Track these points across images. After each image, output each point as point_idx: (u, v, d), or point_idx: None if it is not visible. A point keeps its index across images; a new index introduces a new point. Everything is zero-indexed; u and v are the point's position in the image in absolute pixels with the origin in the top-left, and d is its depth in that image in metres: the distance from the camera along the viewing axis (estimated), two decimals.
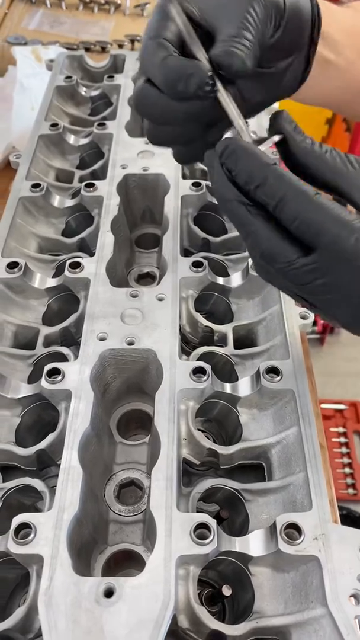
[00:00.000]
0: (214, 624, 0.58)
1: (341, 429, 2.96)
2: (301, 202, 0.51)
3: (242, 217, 0.54)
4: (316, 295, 0.54)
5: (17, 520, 0.61)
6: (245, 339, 0.86)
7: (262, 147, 0.56)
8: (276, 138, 0.57)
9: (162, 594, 0.56)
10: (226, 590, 0.62)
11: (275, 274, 0.55)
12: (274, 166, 0.53)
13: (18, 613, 0.58)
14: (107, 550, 0.71)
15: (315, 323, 3.28)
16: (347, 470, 2.77)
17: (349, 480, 2.73)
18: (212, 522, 0.60)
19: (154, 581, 0.57)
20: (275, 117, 0.57)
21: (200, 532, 0.60)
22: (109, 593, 0.57)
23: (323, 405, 3.02)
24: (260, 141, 0.57)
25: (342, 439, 2.93)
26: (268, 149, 0.56)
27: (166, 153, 1.05)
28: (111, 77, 1.24)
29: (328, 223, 0.50)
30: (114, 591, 0.57)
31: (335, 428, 2.96)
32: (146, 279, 1.04)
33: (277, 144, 0.58)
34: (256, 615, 0.61)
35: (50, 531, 0.60)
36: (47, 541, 0.60)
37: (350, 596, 0.56)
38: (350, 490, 2.68)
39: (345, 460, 2.82)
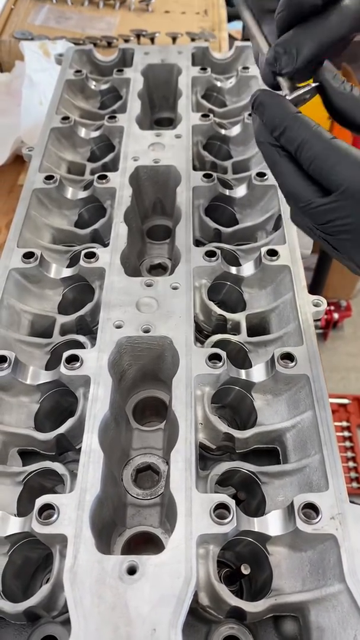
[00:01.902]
0: (234, 601, 0.60)
1: (345, 423, 2.98)
2: (317, 146, 0.55)
3: (272, 158, 0.60)
4: (335, 236, 0.57)
5: (40, 501, 0.62)
6: (258, 327, 0.88)
7: (298, 93, 0.61)
8: (312, 85, 0.61)
9: (184, 571, 0.58)
10: (245, 569, 0.63)
11: (299, 214, 0.59)
12: (295, 114, 0.57)
13: (43, 590, 0.60)
14: (125, 533, 0.72)
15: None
16: (350, 464, 2.80)
17: (353, 474, 2.76)
18: (231, 502, 0.61)
19: (176, 559, 0.58)
20: (317, 68, 0.61)
21: (220, 512, 0.61)
22: (132, 570, 0.58)
23: None
24: (297, 89, 0.61)
25: (346, 433, 2.94)
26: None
27: (177, 145, 1.07)
28: (120, 70, 1.25)
29: (344, 165, 0.53)
30: (137, 569, 0.58)
31: (338, 422, 2.97)
32: (157, 269, 1.05)
33: (319, 92, 0.61)
34: (274, 592, 0.62)
35: (73, 512, 0.62)
36: (70, 521, 0.61)
37: None
38: (354, 484, 2.70)
39: (349, 454, 2.84)
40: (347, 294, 3.35)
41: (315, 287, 3.21)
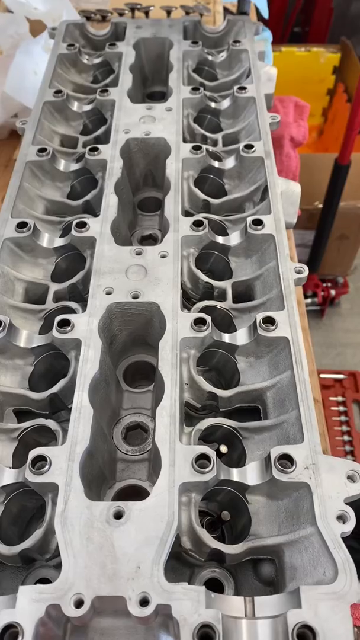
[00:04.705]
0: (214, 544, 0.64)
1: (340, 399, 3.03)
2: None
3: None
4: None
5: (33, 453, 0.66)
6: (243, 295, 0.91)
7: None
8: None
9: (167, 515, 0.62)
10: (225, 515, 0.68)
11: None
12: None
13: (36, 534, 0.64)
14: (115, 486, 0.77)
15: (315, 295, 3.33)
16: (346, 438, 2.86)
17: (348, 448, 2.82)
18: (212, 453, 0.65)
19: (159, 505, 0.63)
20: None
21: (201, 462, 0.65)
22: (118, 515, 0.62)
23: (322, 375, 3.08)
24: None
25: (341, 408, 3.00)
26: None
27: (167, 118, 1.09)
28: (113, 44, 1.26)
29: None
30: (123, 513, 0.62)
31: (334, 397, 3.03)
32: (148, 240, 1.08)
33: None
34: (252, 537, 0.66)
35: (64, 462, 0.66)
36: (61, 471, 0.65)
37: (337, 517, 0.62)
38: (349, 457, 2.77)
39: (344, 428, 2.90)
40: (344, 271, 3.37)
41: (312, 264, 3.23)
